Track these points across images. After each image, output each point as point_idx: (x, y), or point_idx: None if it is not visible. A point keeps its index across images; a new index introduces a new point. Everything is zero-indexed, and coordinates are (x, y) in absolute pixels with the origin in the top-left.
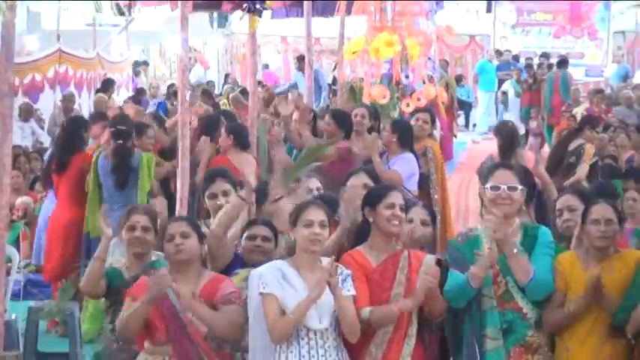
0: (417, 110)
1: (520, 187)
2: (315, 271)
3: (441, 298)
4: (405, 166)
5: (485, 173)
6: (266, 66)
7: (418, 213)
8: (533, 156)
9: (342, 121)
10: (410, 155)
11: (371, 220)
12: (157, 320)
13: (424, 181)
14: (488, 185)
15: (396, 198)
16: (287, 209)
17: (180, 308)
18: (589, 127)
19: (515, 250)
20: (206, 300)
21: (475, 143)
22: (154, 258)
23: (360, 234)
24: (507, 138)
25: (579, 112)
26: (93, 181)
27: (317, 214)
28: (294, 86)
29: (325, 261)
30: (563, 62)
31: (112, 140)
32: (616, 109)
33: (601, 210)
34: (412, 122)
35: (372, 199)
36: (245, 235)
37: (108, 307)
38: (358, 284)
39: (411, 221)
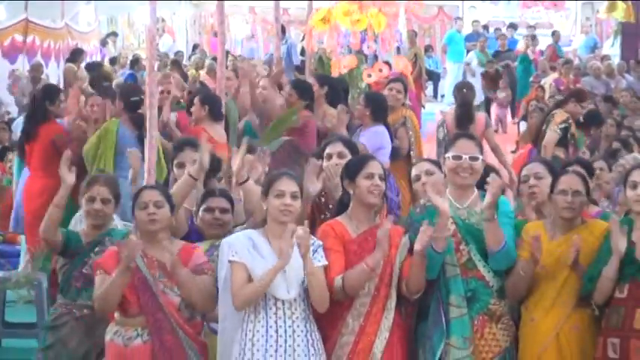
0: (390, 80)
1: (481, 156)
2: (285, 236)
3: (420, 272)
4: (373, 139)
5: (446, 143)
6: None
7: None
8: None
9: (304, 91)
10: (381, 128)
11: (351, 191)
12: (129, 292)
13: (396, 153)
14: (449, 155)
15: (374, 168)
16: (255, 190)
17: (151, 279)
18: (574, 99)
19: (495, 217)
20: None
21: (443, 114)
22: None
23: (341, 205)
24: (464, 103)
25: (547, 82)
26: (110, 151)
27: (289, 185)
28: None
29: (300, 230)
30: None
31: (124, 111)
32: (584, 79)
33: (569, 180)
34: (385, 92)
35: (351, 170)
36: (202, 207)
37: (62, 265)
38: (335, 254)
39: (419, 178)
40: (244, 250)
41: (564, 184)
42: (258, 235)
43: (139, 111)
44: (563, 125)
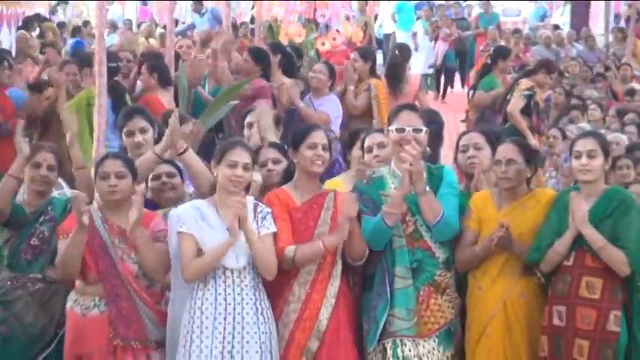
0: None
1: (424, 128)
2: (230, 210)
3: (362, 239)
4: (331, 108)
5: (390, 115)
6: None
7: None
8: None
9: (259, 57)
10: (334, 97)
11: (295, 160)
12: (89, 257)
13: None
14: (393, 127)
15: (318, 138)
16: (195, 160)
17: (111, 245)
18: (544, 70)
19: (427, 188)
20: None
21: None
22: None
23: (287, 174)
24: (395, 63)
25: None
26: (84, 119)
27: (241, 156)
28: (192, 27)
29: (249, 201)
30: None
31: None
32: (534, 48)
33: (503, 150)
34: (345, 62)
35: (295, 140)
36: (150, 177)
37: (7, 239)
38: (282, 223)
39: (371, 150)
40: (192, 220)
41: (499, 154)
42: (205, 204)
43: (116, 78)
44: (527, 92)
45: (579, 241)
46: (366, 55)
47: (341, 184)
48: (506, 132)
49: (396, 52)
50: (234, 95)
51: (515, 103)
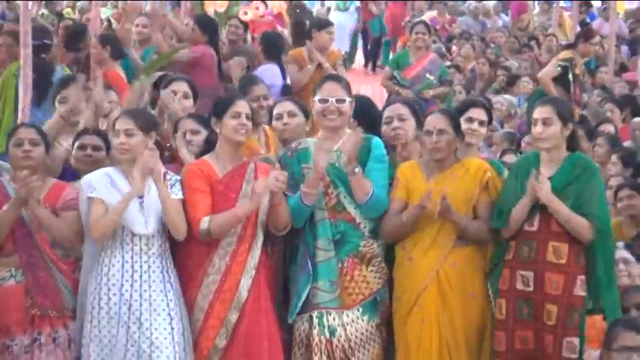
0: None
1: (348, 99)
2: (137, 166)
3: (286, 210)
4: (266, 77)
5: (314, 87)
6: None
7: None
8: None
9: (206, 26)
10: (270, 66)
11: (218, 130)
12: None
13: (288, 90)
14: (316, 98)
15: (241, 107)
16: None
17: (27, 216)
18: (583, 40)
19: (356, 170)
20: (50, 206)
21: None
22: None
23: (208, 144)
24: (297, 22)
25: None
26: (10, 94)
27: (122, 124)
28: None
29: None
30: None
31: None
32: (460, 19)
33: (433, 120)
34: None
35: (218, 109)
36: (76, 144)
37: None
38: (201, 195)
39: (280, 117)
40: (102, 186)
41: (429, 125)
42: (115, 171)
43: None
44: (563, 63)
45: (542, 205)
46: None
47: None
48: (534, 96)
49: (297, 11)
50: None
51: (548, 70)
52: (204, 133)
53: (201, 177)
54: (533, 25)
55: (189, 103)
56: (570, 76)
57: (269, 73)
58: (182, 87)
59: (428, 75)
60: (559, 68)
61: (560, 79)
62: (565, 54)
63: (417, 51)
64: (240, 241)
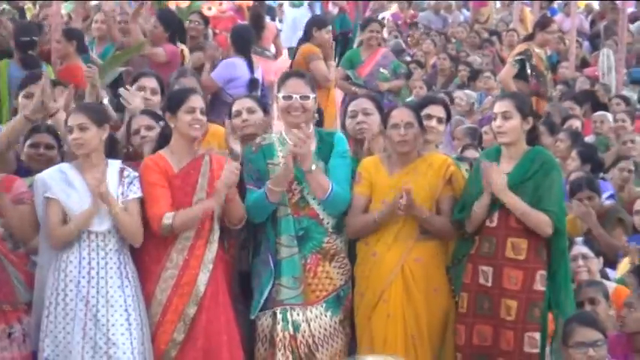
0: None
1: (312, 95)
2: (94, 173)
3: (240, 204)
4: (221, 71)
5: (278, 82)
6: None
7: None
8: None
9: (169, 23)
10: (234, 60)
11: (172, 125)
12: None
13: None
14: (280, 95)
15: (195, 102)
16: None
17: None
18: (539, 29)
19: (313, 167)
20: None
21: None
22: None
23: (163, 139)
24: (255, 14)
25: (386, 16)
26: (3, 90)
27: (75, 119)
28: None
29: (114, 165)
30: None
31: (16, 50)
32: (422, 14)
33: (400, 114)
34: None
35: (172, 104)
36: (27, 142)
37: None
38: (161, 190)
39: (239, 114)
40: (57, 185)
41: (396, 118)
42: (70, 168)
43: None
44: (519, 57)
45: (501, 202)
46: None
47: None
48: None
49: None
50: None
51: (505, 71)
52: (158, 129)
53: (159, 172)
54: (492, 20)
55: (157, 99)
56: (528, 68)
57: (234, 66)
58: (151, 83)
59: (382, 70)
60: (516, 65)
61: (520, 74)
62: (520, 47)
63: (368, 48)
64: (198, 236)
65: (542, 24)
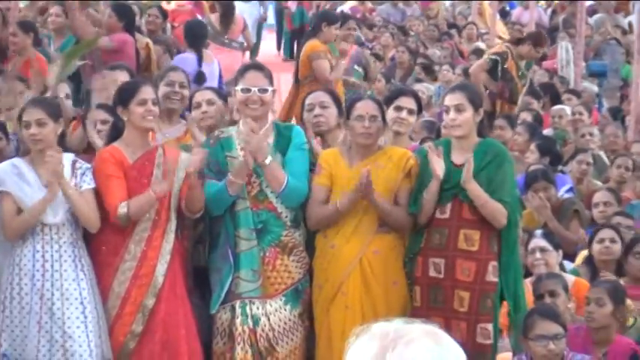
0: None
1: (270, 88)
2: (48, 167)
3: (202, 192)
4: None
5: (236, 75)
6: None
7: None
8: None
9: (123, 14)
10: (185, 55)
11: (125, 118)
12: None
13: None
14: (239, 87)
15: (147, 93)
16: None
17: None
18: (531, 43)
19: (267, 161)
20: None
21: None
22: None
23: (115, 131)
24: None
25: (345, 9)
26: None
27: (32, 114)
28: None
29: (67, 158)
30: None
31: None
32: (380, 7)
33: (365, 106)
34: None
35: (124, 97)
36: None
37: None
38: (116, 181)
39: (199, 106)
40: (10, 179)
41: (361, 110)
42: (22, 162)
43: None
44: (494, 57)
45: (454, 193)
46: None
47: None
48: None
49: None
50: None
51: (479, 64)
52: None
53: (114, 163)
54: (442, 14)
55: None
56: (499, 70)
57: (184, 60)
58: (123, 77)
59: (356, 67)
60: (489, 62)
61: (492, 72)
62: (499, 47)
63: (343, 45)
64: (155, 227)
65: (535, 40)
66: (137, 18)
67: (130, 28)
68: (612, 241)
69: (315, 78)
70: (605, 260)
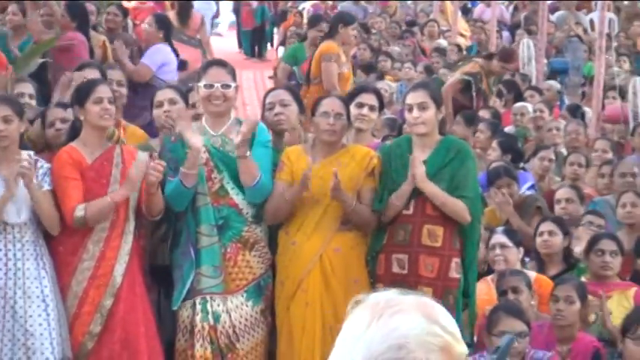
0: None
1: (233, 84)
2: (11, 165)
3: (161, 197)
4: (153, 56)
5: (199, 71)
6: None
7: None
8: None
9: (76, 12)
10: (161, 46)
11: (82, 117)
12: None
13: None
14: (202, 83)
15: (103, 92)
16: None
17: None
18: (500, 58)
19: (247, 153)
20: None
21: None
22: None
23: (73, 131)
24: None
25: (307, 7)
26: None
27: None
28: None
29: (27, 155)
30: None
31: None
32: (342, 4)
33: (331, 103)
34: None
35: (80, 96)
36: None
37: None
38: (73, 182)
39: (161, 105)
40: None
41: (326, 107)
42: None
43: None
44: (467, 77)
45: (418, 190)
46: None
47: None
48: None
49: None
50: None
51: (451, 84)
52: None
53: (72, 164)
54: (399, 12)
55: None
56: (474, 89)
57: (164, 50)
58: (93, 74)
59: None
60: (462, 81)
61: (465, 90)
62: (472, 66)
63: (313, 44)
64: (113, 227)
65: (504, 57)
66: (95, 16)
67: (84, 27)
68: (551, 234)
69: (321, 81)
70: (549, 253)
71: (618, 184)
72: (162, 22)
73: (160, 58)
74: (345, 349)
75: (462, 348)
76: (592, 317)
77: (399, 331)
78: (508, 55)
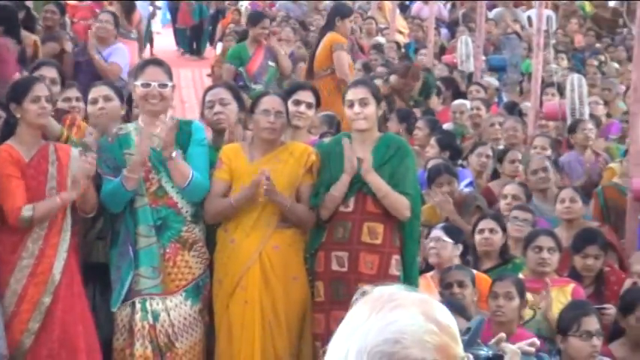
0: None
1: (170, 83)
2: None
3: (94, 193)
4: (120, 57)
5: (136, 69)
6: None
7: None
8: None
9: (3, 16)
10: (122, 45)
11: (18, 115)
12: None
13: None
14: (138, 82)
15: (40, 90)
16: None
17: None
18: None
19: (173, 154)
20: None
21: None
22: None
23: (7, 128)
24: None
25: (244, 5)
26: None
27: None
28: None
29: None
30: None
31: None
32: (280, 2)
33: (272, 101)
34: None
35: (17, 94)
36: None
37: None
38: (16, 181)
39: (95, 102)
40: None
41: (267, 104)
42: None
43: None
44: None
45: (358, 186)
46: None
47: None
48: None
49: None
50: None
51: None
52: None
53: (12, 162)
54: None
55: (57, 89)
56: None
57: (120, 51)
58: (50, 73)
59: (270, 62)
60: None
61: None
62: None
63: (255, 43)
64: (52, 224)
65: (402, 73)
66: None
67: (12, 30)
68: (492, 231)
69: (333, 71)
70: (487, 251)
71: (532, 181)
72: (116, 19)
73: (123, 58)
74: (342, 338)
75: (459, 350)
76: (530, 313)
77: (396, 325)
78: (404, 71)
